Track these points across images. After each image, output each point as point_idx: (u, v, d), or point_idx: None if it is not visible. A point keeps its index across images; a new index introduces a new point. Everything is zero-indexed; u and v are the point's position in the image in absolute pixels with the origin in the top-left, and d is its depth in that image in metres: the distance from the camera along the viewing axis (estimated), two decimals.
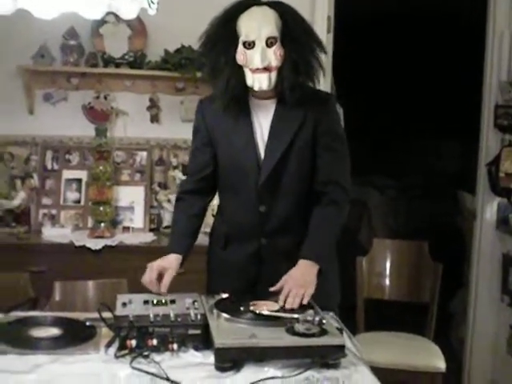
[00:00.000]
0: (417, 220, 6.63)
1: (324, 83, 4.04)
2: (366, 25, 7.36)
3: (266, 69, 2.50)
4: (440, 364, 3.51)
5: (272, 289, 2.45)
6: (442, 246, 4.54)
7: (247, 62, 2.51)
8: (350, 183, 2.67)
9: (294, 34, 2.52)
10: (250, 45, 2.50)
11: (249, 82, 2.53)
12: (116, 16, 3.70)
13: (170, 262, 2.57)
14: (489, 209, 4.45)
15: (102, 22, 4.18)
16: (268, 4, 2.56)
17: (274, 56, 2.49)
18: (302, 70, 2.55)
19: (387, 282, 3.97)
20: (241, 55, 2.51)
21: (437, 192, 6.84)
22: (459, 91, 7.23)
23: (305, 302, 2.36)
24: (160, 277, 2.51)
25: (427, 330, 3.75)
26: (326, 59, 2.69)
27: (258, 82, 2.51)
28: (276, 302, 2.35)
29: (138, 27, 4.27)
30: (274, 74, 2.51)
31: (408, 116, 7.89)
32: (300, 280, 2.42)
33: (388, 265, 3.98)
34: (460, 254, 5.18)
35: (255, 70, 2.50)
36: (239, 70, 2.54)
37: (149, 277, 2.51)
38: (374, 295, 3.94)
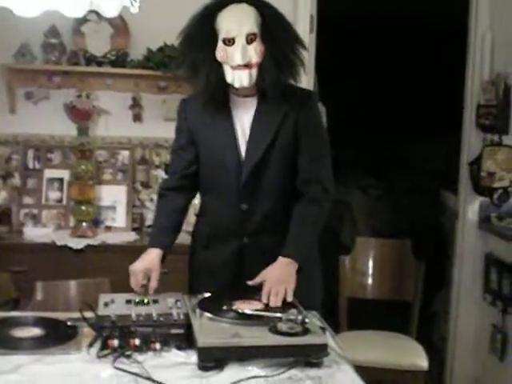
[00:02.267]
0: (400, 219, 6.64)
1: (307, 82, 4.05)
2: (349, 24, 7.36)
3: (247, 65, 2.50)
4: (422, 362, 3.52)
5: (250, 283, 2.47)
6: (425, 246, 4.56)
7: (227, 59, 2.50)
8: (331, 182, 2.67)
9: (273, 30, 2.52)
10: (230, 41, 2.50)
11: (229, 78, 2.53)
12: (98, 14, 3.69)
13: (152, 261, 2.57)
14: (471, 208, 4.46)
15: (84, 20, 4.15)
16: (247, 1, 2.55)
17: (254, 52, 2.49)
18: (283, 66, 2.55)
19: (370, 280, 3.99)
20: (221, 52, 2.51)
21: (420, 191, 6.85)
22: (443, 91, 7.26)
23: (289, 299, 2.38)
24: (146, 278, 2.51)
25: (410, 328, 3.77)
26: (308, 57, 2.68)
27: (239, 78, 2.51)
28: (259, 300, 2.36)
29: (120, 26, 4.25)
30: (254, 71, 2.51)
31: (391, 115, 7.90)
32: (279, 277, 2.43)
33: (371, 264, 3.99)
34: (442, 253, 5.20)
35: (236, 67, 2.50)
36: (218, 67, 2.54)
37: (135, 282, 2.51)
38: (356, 294, 3.95)
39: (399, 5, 6.64)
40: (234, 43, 2.50)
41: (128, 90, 4.41)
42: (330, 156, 2.69)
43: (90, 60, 4.26)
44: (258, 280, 2.47)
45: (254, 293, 2.41)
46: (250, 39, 2.50)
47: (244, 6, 2.53)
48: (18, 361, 2.11)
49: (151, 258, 2.59)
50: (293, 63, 2.58)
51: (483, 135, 4.35)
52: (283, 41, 2.54)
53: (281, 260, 2.51)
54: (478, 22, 4.36)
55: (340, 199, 5.86)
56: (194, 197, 2.84)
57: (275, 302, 2.35)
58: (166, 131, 4.00)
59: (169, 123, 4.09)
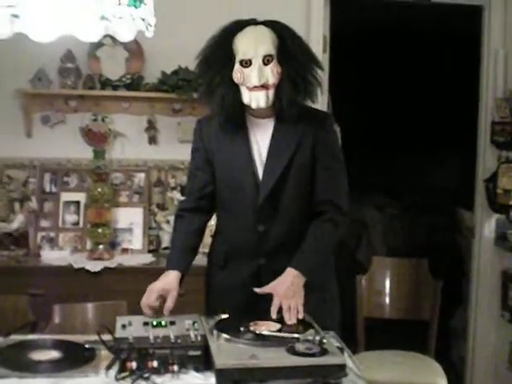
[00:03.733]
0: (416, 238, 6.62)
1: (321, 102, 4.06)
2: (361, 43, 7.38)
3: (264, 86, 2.51)
4: (441, 382, 3.50)
5: (258, 290, 2.49)
6: (441, 264, 4.54)
7: (244, 80, 2.52)
8: (347, 203, 2.67)
9: (290, 51, 2.54)
10: (246, 63, 2.52)
11: (246, 100, 2.54)
12: (113, 38, 3.71)
13: (171, 283, 2.57)
14: (487, 225, 4.45)
15: (99, 44, 4.19)
16: (264, 23, 2.59)
17: (271, 74, 2.51)
18: (300, 87, 2.57)
19: (387, 300, 3.97)
20: (238, 73, 2.53)
21: (435, 209, 6.83)
22: (457, 107, 7.25)
23: (300, 316, 2.38)
24: (161, 298, 2.52)
25: (428, 347, 3.75)
26: (323, 77, 2.70)
27: (256, 99, 2.52)
28: (276, 321, 2.36)
29: (134, 49, 4.28)
30: (271, 92, 2.53)
31: (405, 133, 7.89)
32: (288, 291, 2.43)
33: (388, 283, 3.98)
34: (459, 271, 5.18)
35: (252, 88, 2.52)
36: (235, 88, 2.55)
37: (147, 300, 2.51)
38: (374, 314, 3.93)
39: (412, 21, 6.65)
40: (250, 65, 2.51)
41: (143, 112, 4.43)
42: (346, 177, 2.69)
43: (106, 84, 4.29)
44: (266, 290, 2.47)
45: (271, 314, 2.41)
46: (266, 60, 2.51)
47: (261, 28, 2.56)
48: None
49: (169, 279, 2.60)
50: (310, 84, 2.59)
51: (498, 152, 4.35)
52: (300, 62, 2.56)
53: (289, 271, 2.51)
54: (490, 37, 4.37)
55: (356, 218, 5.85)
56: (211, 217, 2.85)
57: (289, 317, 2.36)
58: (181, 153, 4.02)
59: (184, 145, 4.12)
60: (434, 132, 7.87)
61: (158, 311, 2.51)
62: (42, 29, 2.28)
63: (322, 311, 2.51)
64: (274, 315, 2.38)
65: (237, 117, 2.62)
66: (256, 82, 2.50)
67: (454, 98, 7.41)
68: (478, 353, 4.52)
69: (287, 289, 2.44)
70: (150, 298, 2.52)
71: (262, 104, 2.53)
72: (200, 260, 2.89)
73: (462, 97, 6.26)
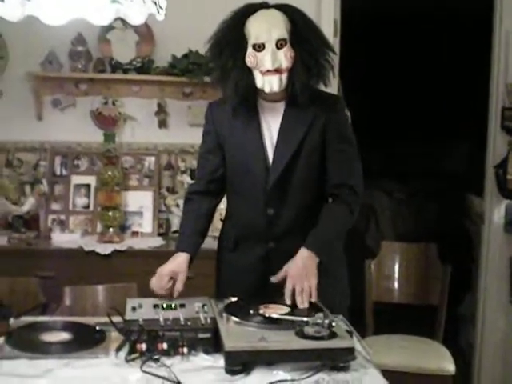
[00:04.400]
0: (425, 223, 6.61)
1: (332, 86, 4.05)
2: (371, 27, 7.36)
3: (277, 70, 2.51)
4: (449, 367, 3.51)
5: (273, 279, 2.48)
6: (450, 249, 4.54)
7: (257, 65, 2.52)
8: (361, 185, 2.66)
9: (303, 35, 2.53)
10: (259, 47, 2.51)
11: (259, 84, 2.54)
12: (123, 22, 3.71)
13: (180, 265, 2.59)
14: (496, 211, 4.44)
15: (110, 27, 4.19)
16: (276, 7, 2.58)
17: (284, 58, 2.51)
18: (313, 71, 2.56)
19: (396, 284, 3.98)
20: (251, 57, 2.52)
21: (445, 195, 6.82)
22: (467, 93, 7.23)
23: (313, 298, 2.38)
24: (171, 281, 2.53)
25: (436, 332, 3.76)
26: (334, 61, 2.70)
27: (269, 83, 2.52)
28: (285, 304, 2.36)
29: (145, 33, 4.29)
30: (284, 76, 2.52)
31: (415, 118, 7.88)
32: (301, 272, 2.43)
33: (396, 268, 3.98)
34: (468, 257, 5.18)
35: (266, 72, 2.51)
36: (248, 72, 2.55)
37: (158, 282, 2.53)
38: (382, 298, 3.94)
39: (423, 6, 6.63)
40: (263, 49, 2.51)
41: (153, 96, 4.43)
42: (358, 160, 2.69)
43: (116, 67, 4.29)
44: (280, 275, 2.46)
45: (281, 297, 2.42)
46: (279, 44, 2.51)
47: (273, 12, 2.55)
48: (46, 365, 2.13)
49: (179, 261, 2.61)
50: (323, 67, 2.59)
51: (508, 138, 4.33)
52: (313, 45, 2.55)
53: (302, 252, 2.50)
54: (502, 20, 4.33)
55: (364, 203, 5.84)
56: (220, 201, 2.85)
57: (301, 301, 2.37)
58: (192, 137, 4.03)
59: (194, 129, 4.12)
60: (444, 117, 7.85)
61: (167, 293, 2.53)
62: (53, 12, 2.29)
63: (331, 295, 2.51)
64: (288, 300, 2.38)
65: (250, 101, 2.62)
66: (269, 66, 2.50)
67: (465, 83, 7.38)
68: (486, 339, 4.52)
69: (300, 271, 2.43)
70: (160, 280, 2.53)
71: (276, 88, 2.53)
72: (209, 243, 2.90)
73: (472, 82, 6.24)
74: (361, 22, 6.64)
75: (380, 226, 6.38)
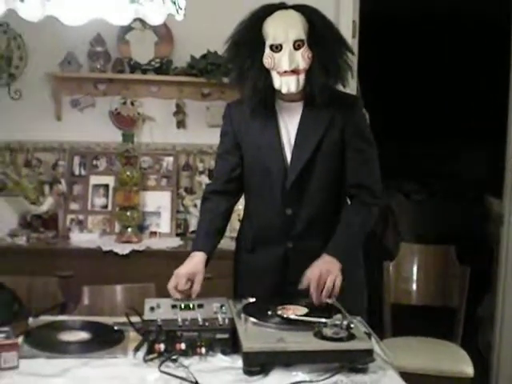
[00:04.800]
0: (443, 225, 6.58)
1: (350, 86, 4.04)
2: (390, 27, 7.34)
3: (294, 71, 2.51)
4: (468, 369, 3.49)
5: (300, 287, 2.45)
6: (469, 251, 4.51)
7: (275, 65, 2.52)
8: (380, 186, 2.66)
9: (321, 35, 2.53)
10: (277, 48, 2.51)
11: (276, 84, 2.54)
12: (142, 22, 3.72)
13: (196, 266, 2.58)
14: None
15: (129, 28, 4.20)
16: (293, 7, 2.57)
17: (301, 58, 2.50)
18: (331, 72, 2.56)
19: (414, 286, 3.95)
20: (268, 58, 2.52)
21: (463, 196, 6.79)
22: (486, 94, 7.19)
23: (336, 290, 2.38)
24: (189, 282, 2.53)
25: (455, 335, 3.73)
26: (353, 61, 2.69)
27: (286, 84, 2.52)
28: (304, 305, 2.36)
29: (164, 33, 4.29)
30: (302, 77, 2.52)
31: (434, 119, 7.85)
32: (323, 270, 2.42)
33: (415, 269, 3.96)
34: (487, 259, 5.14)
35: (283, 73, 2.51)
36: (266, 73, 2.55)
37: (175, 284, 2.52)
38: (401, 300, 3.92)
39: (442, 6, 6.60)
40: (281, 49, 2.51)
41: (172, 96, 4.44)
42: (377, 160, 2.68)
43: (135, 67, 4.30)
44: (305, 283, 2.44)
45: (299, 298, 2.41)
46: (297, 45, 2.51)
47: (291, 12, 2.55)
48: (65, 364, 2.14)
49: (195, 261, 2.60)
50: (340, 68, 2.59)
51: None
52: (331, 46, 2.55)
53: (323, 257, 2.50)
54: None
55: (382, 204, 5.83)
56: (237, 201, 2.85)
57: (325, 295, 2.37)
58: (210, 137, 4.03)
59: (212, 129, 4.12)
60: (464, 119, 7.81)
61: (185, 295, 2.53)
62: (73, 12, 2.30)
63: (349, 296, 2.50)
64: (314, 298, 2.38)
65: (268, 101, 2.62)
66: (287, 67, 2.50)
67: (485, 85, 7.34)
68: (505, 340, 4.49)
69: (323, 271, 2.42)
70: (180, 283, 2.51)
71: (293, 89, 2.52)
72: (227, 244, 2.90)
73: (492, 83, 6.21)
74: (377, 24, 6.63)
75: (398, 227, 6.36)
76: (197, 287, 2.53)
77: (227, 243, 2.87)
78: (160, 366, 2.11)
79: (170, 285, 2.52)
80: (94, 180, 4.39)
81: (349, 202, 2.68)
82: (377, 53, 6.95)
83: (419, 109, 7.88)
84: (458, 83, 7.83)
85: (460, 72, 7.79)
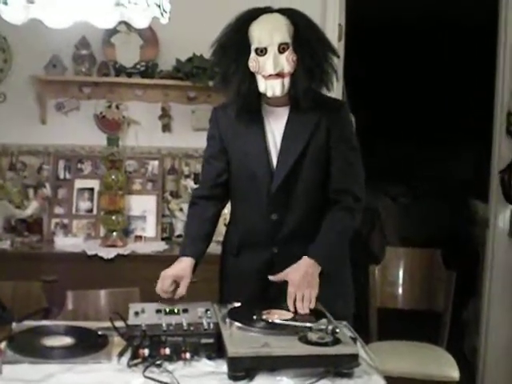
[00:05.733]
0: (429, 228, 6.60)
1: (336, 90, 4.05)
2: (376, 32, 7.36)
3: (279, 75, 2.50)
4: (454, 373, 3.49)
5: (271, 278, 2.50)
6: (455, 255, 4.53)
7: (260, 69, 2.51)
8: (363, 191, 2.66)
9: (306, 39, 2.52)
10: (262, 51, 2.51)
11: (261, 88, 2.54)
12: (127, 25, 3.71)
13: (184, 269, 2.57)
14: (501, 217, 4.43)
15: (114, 31, 4.19)
16: (279, 11, 2.57)
17: (286, 62, 2.50)
18: (316, 75, 2.55)
19: (400, 290, 3.96)
20: (253, 62, 2.52)
21: (449, 200, 6.81)
22: (473, 97, 7.22)
23: (312, 305, 2.38)
24: (174, 284, 2.52)
25: (440, 338, 3.74)
26: (338, 65, 2.69)
27: (271, 88, 2.51)
28: (288, 310, 2.36)
29: (149, 36, 4.28)
30: (286, 80, 2.52)
31: (420, 123, 7.87)
32: (302, 280, 2.43)
33: (401, 273, 3.96)
34: (473, 263, 5.16)
35: (268, 77, 2.51)
36: (251, 76, 2.55)
37: (162, 286, 2.51)
38: (386, 304, 3.92)
39: (429, 11, 6.62)
40: (266, 53, 2.50)
41: (157, 100, 4.43)
42: (361, 165, 2.68)
43: (120, 71, 4.29)
44: (280, 276, 2.48)
45: (284, 302, 2.41)
46: (282, 49, 2.50)
47: (276, 16, 2.55)
48: (48, 370, 2.12)
49: (183, 266, 2.59)
50: (325, 72, 2.58)
51: None
52: (316, 50, 2.54)
53: (305, 260, 2.50)
54: (507, 26, 4.32)
55: (368, 207, 5.83)
56: (225, 206, 2.85)
57: (302, 307, 2.37)
58: (196, 141, 4.03)
59: (198, 133, 4.13)
60: (449, 122, 7.84)
61: (170, 297, 2.52)
62: (57, 15, 2.29)
63: (335, 301, 2.51)
64: (291, 307, 2.38)
65: (252, 105, 2.61)
66: (271, 71, 2.49)
67: (470, 88, 7.38)
68: (490, 344, 4.50)
69: (302, 278, 2.44)
70: (165, 284, 2.52)
71: (278, 92, 2.52)
72: (213, 248, 2.89)
73: (478, 87, 6.23)
74: (368, 27, 6.65)
75: (384, 231, 6.37)
76: (182, 290, 2.52)
77: (213, 247, 2.85)
78: (144, 371, 2.09)
79: (158, 287, 2.52)
80: (79, 184, 4.38)
81: (332, 206, 2.66)
82: (367, 56, 6.99)
83: (407, 111, 7.91)
84: (446, 86, 7.86)
85: (448, 74, 7.82)
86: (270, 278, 2.51)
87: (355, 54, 4.70)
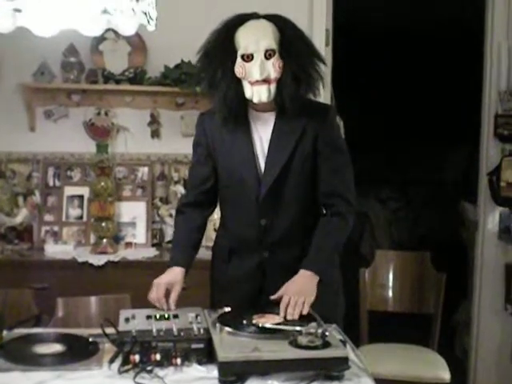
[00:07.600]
0: (419, 231, 6.62)
1: (324, 95, 4.06)
2: (364, 36, 7.38)
3: (265, 81, 2.51)
4: (445, 375, 3.50)
5: (272, 297, 2.47)
6: (445, 257, 4.54)
7: (246, 75, 2.52)
8: (354, 194, 2.67)
9: (292, 45, 2.53)
10: (248, 57, 2.51)
11: (248, 94, 2.54)
12: (115, 33, 3.71)
13: (176, 277, 2.59)
14: (490, 219, 4.44)
15: (102, 38, 4.18)
16: (266, 17, 2.58)
17: (272, 68, 2.51)
18: (302, 81, 2.56)
19: (390, 293, 3.97)
20: (239, 68, 2.52)
21: (439, 203, 6.83)
22: (460, 100, 7.24)
23: (305, 311, 2.38)
24: (167, 292, 2.53)
25: (431, 341, 3.75)
26: (326, 71, 2.70)
27: (258, 94, 2.52)
28: (279, 314, 2.36)
29: (137, 43, 4.28)
30: (273, 86, 2.52)
31: (410, 126, 7.89)
32: (299, 288, 2.44)
33: (391, 276, 3.98)
34: (463, 265, 5.18)
35: (254, 83, 2.51)
36: (237, 82, 2.55)
37: (156, 294, 2.53)
38: (377, 307, 3.93)
39: (415, 14, 6.65)
40: (252, 59, 2.51)
41: (146, 106, 4.43)
42: (351, 169, 2.69)
43: (108, 78, 4.29)
44: (279, 293, 2.46)
45: (274, 307, 2.41)
46: (268, 55, 2.51)
47: (262, 22, 2.56)
48: (39, 377, 2.12)
49: (174, 273, 2.61)
50: (312, 78, 2.58)
51: (502, 145, 4.34)
52: (302, 56, 2.55)
53: (302, 272, 2.51)
54: (494, 30, 4.35)
55: (359, 211, 5.85)
56: (212, 212, 2.86)
57: (292, 313, 2.36)
58: (185, 147, 4.02)
59: (187, 139, 4.11)
60: (438, 125, 7.87)
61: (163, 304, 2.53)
62: (44, 23, 2.29)
63: (325, 304, 2.51)
64: (282, 313, 2.38)
65: (239, 111, 2.61)
66: (258, 77, 2.50)
67: (458, 91, 7.41)
68: (481, 346, 4.52)
69: (299, 288, 2.44)
70: (159, 292, 2.53)
71: (264, 98, 2.52)
72: (203, 254, 2.89)
73: (465, 89, 6.26)
74: (359, 32, 6.69)
75: (375, 234, 6.39)
76: (174, 297, 2.54)
77: (203, 252, 2.86)
78: (135, 377, 2.10)
79: (152, 295, 2.53)
80: (69, 191, 4.37)
81: (324, 212, 2.67)
82: (355, 60, 7.01)
83: (396, 115, 7.93)
84: (434, 89, 7.89)
85: (436, 77, 7.85)
86: (271, 298, 2.48)
87: (348, 58, 4.71)
